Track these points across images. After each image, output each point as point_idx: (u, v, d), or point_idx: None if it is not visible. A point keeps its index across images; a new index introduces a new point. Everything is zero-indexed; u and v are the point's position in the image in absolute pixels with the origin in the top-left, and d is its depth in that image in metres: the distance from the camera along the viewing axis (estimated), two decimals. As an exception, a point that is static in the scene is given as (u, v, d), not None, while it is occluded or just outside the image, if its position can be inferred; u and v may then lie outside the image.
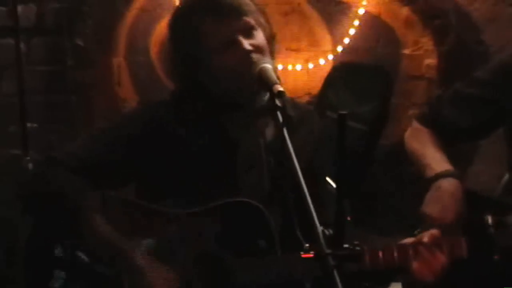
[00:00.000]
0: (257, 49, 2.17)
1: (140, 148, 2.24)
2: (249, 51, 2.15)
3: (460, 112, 2.55)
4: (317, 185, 2.16)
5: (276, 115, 1.90)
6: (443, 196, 2.37)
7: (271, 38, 2.27)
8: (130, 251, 2.12)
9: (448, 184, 2.38)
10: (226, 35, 2.17)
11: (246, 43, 2.17)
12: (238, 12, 2.19)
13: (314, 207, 1.72)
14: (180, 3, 2.35)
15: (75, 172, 2.19)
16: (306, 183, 1.77)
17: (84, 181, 2.19)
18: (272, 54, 2.25)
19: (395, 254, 2.11)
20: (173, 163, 2.23)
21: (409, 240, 2.16)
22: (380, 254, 2.10)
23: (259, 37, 2.20)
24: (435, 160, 2.47)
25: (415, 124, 2.63)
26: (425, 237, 2.14)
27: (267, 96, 2.15)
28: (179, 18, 2.27)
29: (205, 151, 2.23)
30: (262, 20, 2.25)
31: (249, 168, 2.25)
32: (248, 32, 2.19)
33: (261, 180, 2.25)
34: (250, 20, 2.20)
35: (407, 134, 2.65)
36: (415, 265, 2.11)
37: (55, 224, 2.18)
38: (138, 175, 2.29)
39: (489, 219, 2.13)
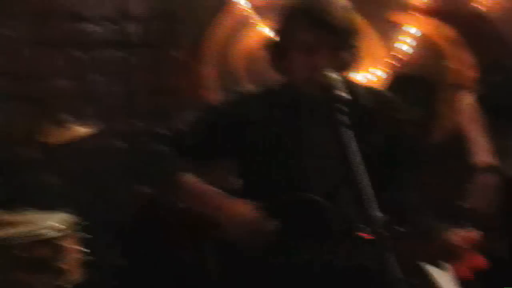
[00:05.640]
0: (326, 63, 2.09)
1: (229, 132, 2.29)
2: (319, 63, 2.10)
3: None
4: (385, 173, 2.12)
5: (338, 117, 1.88)
6: (489, 192, 2.46)
7: (351, 59, 2.20)
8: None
9: (493, 180, 2.47)
10: (309, 40, 2.13)
11: (322, 54, 2.11)
12: (333, 30, 2.11)
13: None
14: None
15: (180, 149, 2.30)
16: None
17: (185, 157, 2.29)
18: (347, 69, 2.20)
19: (435, 251, 2.11)
20: (255, 149, 2.27)
21: (452, 238, 2.11)
22: (420, 249, 2.09)
23: (337, 55, 2.13)
24: (483, 151, 2.52)
25: (472, 106, 2.72)
26: (463, 240, 2.10)
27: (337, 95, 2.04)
28: (286, 17, 2.23)
29: (281, 141, 2.25)
30: (351, 41, 2.17)
31: (318, 158, 2.23)
32: (330, 46, 2.12)
33: (327, 169, 2.21)
34: (337, 39, 2.12)
35: (465, 114, 2.74)
36: (455, 265, 2.13)
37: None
38: (227, 156, 2.35)
39: None
